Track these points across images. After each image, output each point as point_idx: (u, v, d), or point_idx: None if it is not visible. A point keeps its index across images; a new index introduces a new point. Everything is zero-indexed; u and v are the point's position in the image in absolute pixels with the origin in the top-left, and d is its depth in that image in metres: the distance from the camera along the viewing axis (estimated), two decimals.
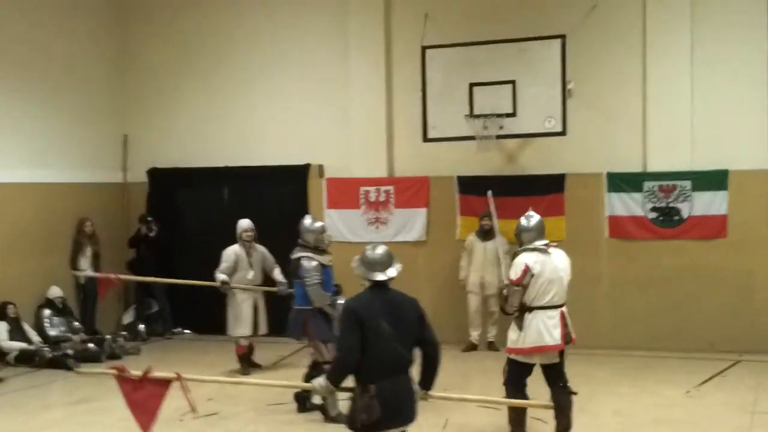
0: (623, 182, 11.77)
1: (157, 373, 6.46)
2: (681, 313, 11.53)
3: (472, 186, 12.32)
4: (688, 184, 11.51)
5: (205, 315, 12.56)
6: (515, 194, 12.01)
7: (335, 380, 5.42)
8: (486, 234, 11.72)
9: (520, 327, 7.32)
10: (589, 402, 8.38)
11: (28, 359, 11.21)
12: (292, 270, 8.98)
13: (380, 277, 5.45)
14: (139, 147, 14.01)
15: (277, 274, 10.77)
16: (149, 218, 13.36)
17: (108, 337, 12.09)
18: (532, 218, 7.60)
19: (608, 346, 11.50)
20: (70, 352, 11.38)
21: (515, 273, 7.32)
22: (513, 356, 7.39)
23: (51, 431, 8.46)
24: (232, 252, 10.76)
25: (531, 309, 7.32)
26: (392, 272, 5.49)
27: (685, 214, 11.54)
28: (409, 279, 12.19)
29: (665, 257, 11.64)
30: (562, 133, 11.31)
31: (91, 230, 12.83)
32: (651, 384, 9.76)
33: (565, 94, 11.23)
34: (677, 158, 11.57)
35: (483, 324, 11.95)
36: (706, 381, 9.85)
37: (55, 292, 12.13)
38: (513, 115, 11.37)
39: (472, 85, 11.51)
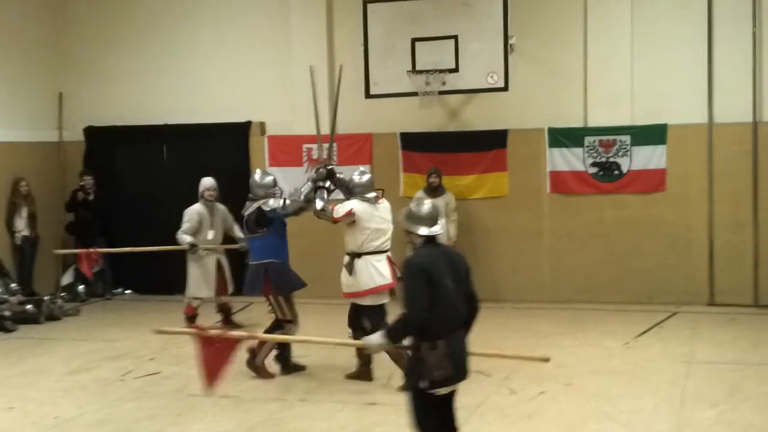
0: (564, 137, 11.83)
1: (234, 333, 6.55)
2: (621, 266, 11.71)
3: (415, 142, 12.30)
4: (627, 138, 11.61)
5: (145, 275, 12.41)
6: (458, 150, 12.07)
7: (398, 338, 5.27)
8: (434, 190, 11.68)
9: (351, 272, 7.99)
10: (533, 354, 8.45)
11: None
12: (248, 225, 8.81)
13: (434, 231, 5.39)
14: (75, 105, 13.69)
15: (237, 231, 10.56)
16: (87, 178, 13.04)
17: (46, 298, 11.88)
18: (364, 175, 8.37)
19: (550, 300, 11.68)
20: (7, 313, 11.17)
21: (339, 212, 8.09)
22: (352, 300, 8.09)
23: None
24: (195, 212, 10.48)
25: (360, 255, 8.00)
26: (439, 228, 5.43)
27: (624, 168, 11.65)
28: None
29: (606, 211, 11.77)
30: (505, 89, 11.28)
31: (26, 190, 12.59)
32: (592, 336, 9.92)
33: (507, 49, 11.19)
34: (617, 113, 11.65)
35: None
36: (644, 332, 10.02)
37: None
38: (455, 70, 11.30)
39: (414, 41, 11.41)
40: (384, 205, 8.28)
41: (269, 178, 8.96)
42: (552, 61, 11.96)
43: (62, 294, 12.57)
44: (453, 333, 5.24)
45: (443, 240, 5.62)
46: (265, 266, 8.59)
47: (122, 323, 11.35)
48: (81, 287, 12.84)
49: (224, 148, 12.89)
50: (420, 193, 11.86)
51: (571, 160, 11.82)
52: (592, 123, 11.79)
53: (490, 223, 12.02)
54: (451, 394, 5.39)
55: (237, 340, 6.36)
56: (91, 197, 13.02)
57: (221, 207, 10.73)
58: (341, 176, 8.70)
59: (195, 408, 7.65)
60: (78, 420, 7.39)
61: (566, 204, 11.90)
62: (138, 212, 13.07)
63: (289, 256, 8.84)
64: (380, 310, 8.05)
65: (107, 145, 13.52)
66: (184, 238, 10.38)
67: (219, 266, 10.65)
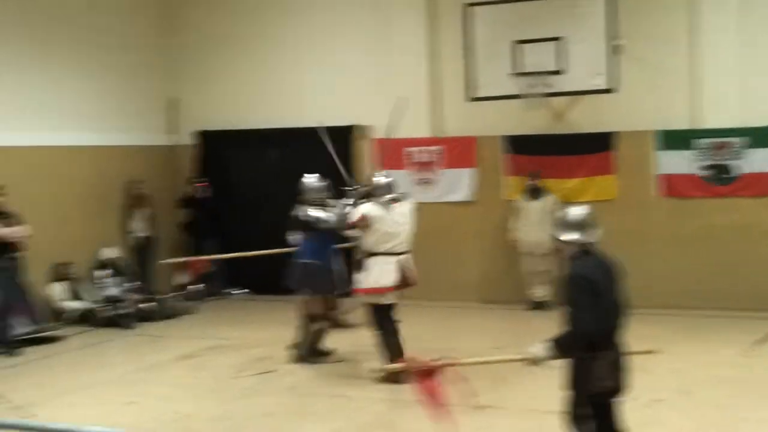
0: (674, 140, 11.61)
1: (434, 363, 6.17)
2: (733, 271, 11.41)
3: (519, 145, 12.26)
4: (740, 140, 11.32)
5: (259, 275, 12.71)
6: (563, 153, 11.99)
7: (566, 351, 5.14)
8: (533, 193, 11.68)
9: (364, 269, 8.34)
10: (646, 360, 8.31)
11: (85, 319, 11.48)
12: (294, 225, 9.21)
13: (590, 238, 5.22)
14: (188, 109, 14.11)
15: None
16: (199, 180, 13.48)
17: (164, 296, 12.29)
18: (382, 179, 8.60)
19: (658, 305, 11.43)
20: (126, 311, 11.61)
21: (353, 217, 8.44)
22: (362, 297, 8.42)
23: (109, 388, 8.65)
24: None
25: (372, 254, 8.30)
26: (598, 233, 5.26)
27: (737, 171, 11.36)
28: (456, 239, 12.50)
29: (717, 215, 11.49)
30: (611, 90, 11.19)
31: (142, 192, 13.02)
32: (706, 343, 9.70)
33: (613, 50, 11.09)
34: (729, 114, 11.36)
35: (539, 283, 11.84)
36: (761, 340, 9.74)
37: (111, 252, 12.36)
38: (560, 72, 11.26)
39: (517, 43, 11.41)
40: (400, 209, 8.47)
41: (318, 184, 9.34)
42: (660, 61, 11.74)
43: (179, 293, 12.96)
44: (617, 343, 5.18)
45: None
46: (303, 265, 9.04)
47: (237, 322, 11.66)
48: (197, 286, 13.24)
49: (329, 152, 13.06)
50: (520, 196, 11.83)
51: (680, 162, 11.58)
52: (702, 125, 11.53)
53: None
54: (617, 403, 5.34)
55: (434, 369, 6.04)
56: (202, 198, 13.40)
57: None
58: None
59: (308, 406, 7.84)
60: (196, 416, 7.64)
61: (676, 208, 11.68)
62: (247, 214, 13.40)
63: (332, 259, 9.09)
64: (382, 309, 8.36)
65: (218, 148, 13.91)
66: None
67: None
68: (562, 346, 5.11)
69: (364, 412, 7.60)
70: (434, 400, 6.03)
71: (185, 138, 14.11)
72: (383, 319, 8.41)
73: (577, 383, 5.19)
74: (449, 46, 12.37)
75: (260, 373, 8.96)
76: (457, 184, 12.66)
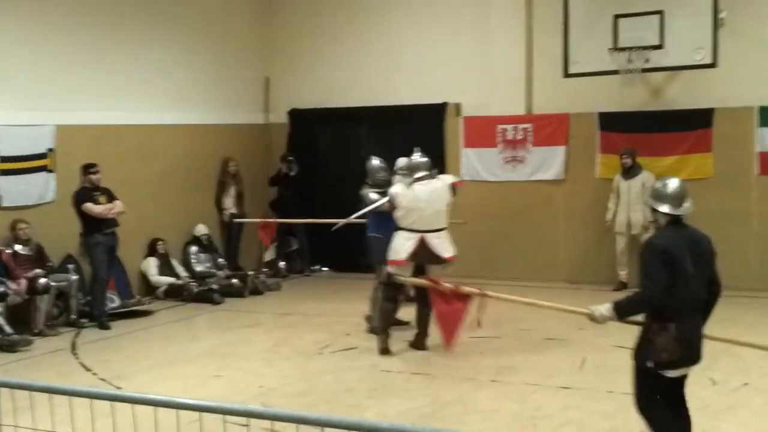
0: None
1: (466, 289, 7.10)
2: None
3: (614, 122, 11.95)
4: None
5: (342, 253, 12.77)
6: (659, 130, 11.65)
7: (629, 313, 5.30)
8: (627, 172, 11.37)
9: (391, 244, 8.61)
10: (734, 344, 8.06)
11: (175, 293, 11.73)
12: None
13: (679, 211, 5.24)
14: (280, 88, 14.24)
15: None
16: (290, 157, 13.62)
17: (250, 273, 12.47)
18: (412, 158, 8.86)
19: (756, 288, 11.01)
20: (215, 287, 11.82)
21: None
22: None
23: (199, 361, 8.81)
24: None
25: (398, 229, 8.62)
26: (687, 208, 5.27)
27: None
28: (547, 217, 12.32)
29: None
30: (713, 65, 10.82)
31: (234, 170, 13.21)
32: None
33: (716, 23, 10.71)
34: None
35: (630, 263, 11.55)
36: None
37: (201, 229, 12.58)
38: (660, 47, 10.99)
39: (616, 17, 11.15)
40: (426, 188, 8.62)
41: (378, 165, 9.84)
42: (764, 36, 11.28)
43: (265, 270, 13.15)
44: (688, 317, 5.16)
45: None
46: (371, 239, 9.50)
47: (320, 299, 11.76)
48: (282, 263, 13.41)
49: (420, 129, 12.96)
50: (617, 176, 11.54)
51: None
52: None
53: (694, 207, 11.46)
54: (682, 378, 5.32)
55: (470, 296, 6.72)
56: (293, 173, 13.53)
57: None
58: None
59: (389, 383, 7.84)
60: (280, 390, 7.73)
61: None
62: (337, 191, 13.43)
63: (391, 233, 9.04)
64: (394, 282, 8.59)
65: (310, 126, 14.00)
66: None
67: None
68: (624, 308, 5.24)
69: (445, 390, 7.56)
70: (450, 325, 6.66)
71: (279, 117, 14.24)
72: (390, 289, 8.79)
73: (640, 353, 5.24)
74: (546, 21, 12.15)
75: (342, 350, 9.00)
76: (548, 162, 12.43)
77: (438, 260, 8.61)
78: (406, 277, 8.40)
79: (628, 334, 8.39)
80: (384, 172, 9.75)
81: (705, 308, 5.33)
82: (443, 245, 8.64)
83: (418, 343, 8.83)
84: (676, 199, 5.24)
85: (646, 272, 5.11)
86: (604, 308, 5.26)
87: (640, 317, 5.33)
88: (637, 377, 5.29)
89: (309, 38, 14.03)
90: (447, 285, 7.10)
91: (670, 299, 5.07)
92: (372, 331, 9.39)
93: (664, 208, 5.22)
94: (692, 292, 5.15)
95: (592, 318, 5.36)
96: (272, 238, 12.33)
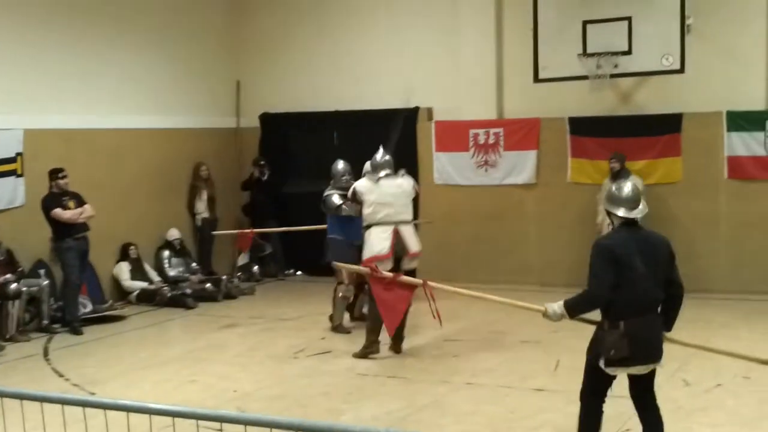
0: (744, 121, 11.28)
1: (405, 278, 7.51)
2: None
3: (584, 127, 12.05)
4: None
5: (315, 257, 12.73)
6: (629, 135, 11.75)
7: (578, 311, 5.46)
8: (616, 176, 11.35)
9: (365, 241, 8.75)
10: (707, 345, 8.16)
11: (148, 298, 11.67)
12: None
13: (624, 213, 5.38)
14: (251, 93, 14.21)
15: None
16: (262, 162, 13.60)
17: (224, 277, 12.44)
18: (381, 156, 9.17)
19: (726, 290, 11.17)
20: (188, 291, 11.79)
21: (349, 193, 9.14)
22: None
23: (173, 366, 8.78)
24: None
25: (369, 226, 8.73)
26: (639, 211, 5.41)
27: None
28: (519, 221, 12.39)
29: None
30: (680, 71, 10.93)
31: (206, 174, 13.16)
32: None
33: (683, 29, 10.81)
34: None
35: None
36: None
37: (173, 233, 12.52)
38: (628, 53, 11.06)
39: (585, 23, 11.23)
40: (393, 182, 8.92)
41: (343, 168, 10.15)
42: (731, 41, 11.42)
43: (239, 274, 13.10)
44: (638, 316, 5.24)
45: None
46: (329, 240, 9.90)
47: (294, 303, 11.75)
48: (256, 268, 13.38)
49: (392, 134, 13.02)
50: (606, 180, 11.54)
51: (751, 144, 11.25)
52: None
53: (663, 210, 11.57)
54: (645, 376, 5.43)
55: (414, 286, 7.12)
56: (264, 177, 13.51)
57: None
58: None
59: (365, 387, 7.85)
60: (255, 394, 7.71)
61: (745, 190, 11.35)
62: (308, 196, 13.41)
63: (351, 235, 9.57)
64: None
65: (281, 131, 13.98)
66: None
67: None
68: (573, 306, 5.42)
69: (421, 393, 7.58)
70: (392, 313, 7.13)
71: (250, 121, 14.21)
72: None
73: (592, 349, 5.41)
74: (516, 27, 12.22)
75: (318, 354, 9.01)
76: (519, 167, 12.51)
77: (411, 252, 8.78)
78: (350, 265, 8.69)
79: None
80: (348, 175, 10.01)
81: (667, 309, 5.45)
82: (411, 238, 8.84)
83: (396, 348, 8.84)
84: (630, 202, 5.39)
85: (593, 271, 5.29)
86: (557, 305, 5.46)
87: (593, 316, 5.45)
88: (585, 370, 5.49)
89: (281, 42, 14.01)
90: (387, 273, 7.33)
91: (618, 298, 5.22)
92: (335, 329, 9.76)
93: (620, 212, 5.37)
94: (642, 291, 5.26)
95: (545, 315, 5.54)
96: (249, 247, 12.30)
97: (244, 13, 14.22)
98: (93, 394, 7.58)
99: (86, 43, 11.71)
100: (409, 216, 8.93)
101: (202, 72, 13.60)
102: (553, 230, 12.24)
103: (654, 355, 5.35)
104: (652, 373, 5.47)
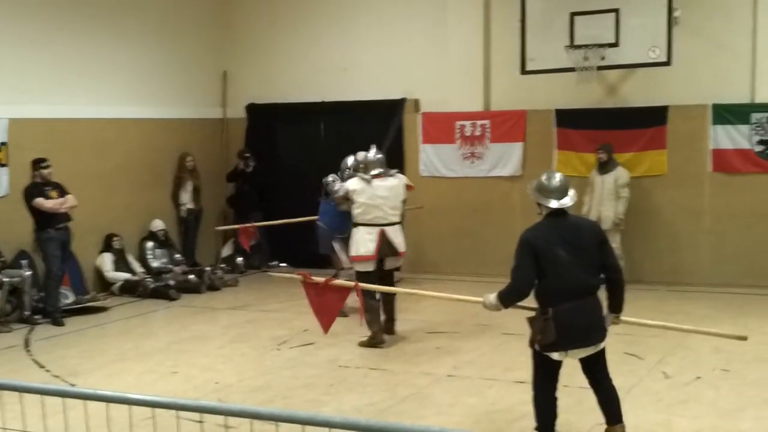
0: (729, 114, 11.30)
1: (337, 281, 7.55)
2: None
3: (570, 119, 12.05)
4: None
5: (300, 249, 12.72)
6: (616, 127, 11.74)
7: (506, 303, 5.62)
8: (603, 167, 11.33)
9: (352, 239, 8.91)
10: (688, 338, 8.20)
11: (131, 289, 11.62)
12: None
13: (555, 204, 5.51)
14: (238, 83, 14.15)
15: None
16: (247, 154, 13.55)
17: (208, 269, 12.40)
18: (368, 154, 9.15)
19: (709, 283, 11.21)
20: (171, 283, 11.74)
21: (339, 192, 9.21)
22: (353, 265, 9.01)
23: (155, 357, 8.74)
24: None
25: (356, 225, 8.83)
26: (567, 200, 5.55)
27: None
28: (505, 213, 12.37)
29: None
30: (667, 63, 10.93)
31: (192, 165, 13.11)
32: (752, 322, 9.43)
33: (671, 22, 10.81)
34: None
35: None
36: None
37: (157, 225, 12.46)
38: (615, 45, 11.05)
39: (573, 15, 11.21)
40: (384, 183, 8.90)
41: (346, 162, 10.06)
42: (718, 34, 11.42)
43: (222, 265, 13.05)
44: (565, 302, 5.37)
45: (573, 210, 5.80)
46: (317, 225, 10.45)
47: (278, 294, 11.68)
48: (240, 259, 13.33)
49: (379, 125, 12.99)
50: (594, 171, 11.51)
51: (736, 137, 11.28)
52: (760, 99, 11.20)
53: (648, 202, 11.63)
54: (589, 358, 5.55)
55: (347, 289, 7.34)
56: (249, 170, 13.45)
57: None
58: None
59: (347, 379, 7.83)
60: (237, 386, 7.68)
61: (729, 183, 11.38)
62: (295, 187, 13.40)
63: (336, 226, 10.00)
64: (368, 276, 8.68)
65: (268, 121, 13.94)
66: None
67: None
68: (503, 297, 5.60)
69: (403, 385, 7.57)
70: (325, 316, 7.30)
71: (237, 111, 14.15)
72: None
73: (531, 338, 5.57)
74: (504, 18, 12.19)
75: (300, 346, 8.99)
76: (506, 159, 12.50)
77: (395, 252, 8.89)
78: (282, 274, 9.06)
79: None
80: (354, 171, 9.74)
81: (609, 292, 5.61)
82: (398, 239, 8.91)
83: (389, 329, 9.10)
84: (558, 192, 5.52)
85: (515, 264, 5.50)
86: (493, 296, 5.64)
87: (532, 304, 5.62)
88: (532, 357, 5.65)
89: (268, 33, 13.95)
90: (319, 279, 7.40)
91: (545, 286, 5.43)
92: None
93: (551, 203, 5.50)
94: (567, 279, 5.40)
95: (484, 305, 5.74)
96: (251, 241, 12.20)
97: (231, 2, 14.15)
98: (74, 385, 7.53)
99: (71, 33, 11.62)
100: (398, 218, 8.97)
101: (188, 62, 13.52)
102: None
103: (588, 338, 5.48)
104: (599, 355, 5.59)
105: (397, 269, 9.29)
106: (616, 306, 5.65)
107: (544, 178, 5.61)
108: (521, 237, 5.51)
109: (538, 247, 5.40)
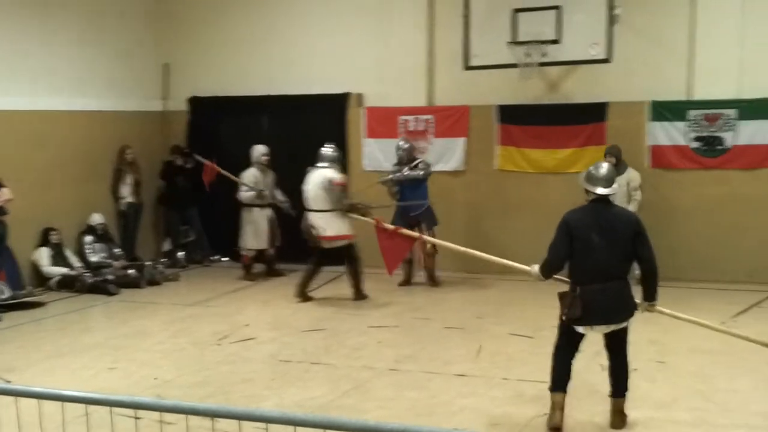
0: (667, 111, 11.50)
1: (404, 231, 8.59)
2: (723, 243, 11.37)
3: (512, 115, 12.16)
4: (733, 112, 11.21)
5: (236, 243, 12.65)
6: (556, 123, 11.89)
7: (545, 274, 6.16)
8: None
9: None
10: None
11: (69, 284, 11.42)
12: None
13: (601, 191, 5.96)
14: (179, 75, 14.00)
15: (279, 194, 12.15)
16: (186, 150, 13.37)
17: (148, 263, 12.25)
18: (326, 148, 10.60)
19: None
20: (110, 277, 11.54)
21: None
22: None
23: (92, 353, 8.60)
24: (251, 174, 11.98)
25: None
26: (611, 190, 6.01)
27: (728, 143, 11.26)
28: (446, 208, 12.42)
29: (707, 187, 11.42)
30: (607, 60, 11.06)
31: (132, 158, 12.93)
32: (689, 314, 9.51)
33: (611, 19, 10.95)
34: (723, 86, 11.25)
35: None
36: (743, 311, 9.73)
37: (96, 218, 12.27)
38: (557, 41, 11.14)
39: (515, 11, 11.28)
40: (314, 173, 10.40)
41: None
42: (657, 31, 11.61)
43: (163, 260, 12.93)
44: (592, 282, 5.86)
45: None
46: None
47: (219, 289, 11.62)
48: (180, 254, 13.21)
49: (323, 119, 12.96)
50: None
51: (673, 134, 11.49)
52: (697, 96, 11.42)
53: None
54: (611, 333, 6.05)
55: (414, 238, 8.54)
56: (189, 166, 13.28)
57: (271, 172, 12.12)
58: None
59: (288, 373, 7.80)
60: (176, 381, 7.61)
61: (667, 179, 11.58)
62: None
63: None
64: (322, 252, 10.47)
65: (210, 115, 13.78)
66: (248, 195, 11.89)
67: (270, 222, 12.08)
68: (542, 269, 6.16)
69: (344, 379, 7.57)
70: (392, 259, 8.12)
71: (178, 104, 13.99)
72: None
73: (560, 307, 6.06)
74: (447, 14, 12.24)
75: (242, 341, 8.93)
76: (449, 154, 12.56)
77: (315, 236, 10.28)
78: (358, 216, 10.05)
79: (522, 323, 8.80)
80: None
81: (642, 281, 6.10)
82: (320, 224, 10.25)
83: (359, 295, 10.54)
84: (605, 181, 5.99)
85: (552, 241, 6.01)
86: (537, 267, 6.20)
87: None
88: (558, 326, 6.18)
89: (210, 25, 13.81)
90: (389, 226, 8.51)
91: (574, 266, 5.97)
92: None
93: (597, 190, 5.96)
94: (595, 262, 5.85)
95: (530, 274, 6.32)
96: (213, 179, 12.16)
97: None
98: (9, 381, 7.38)
99: (6, 23, 11.38)
100: (319, 206, 10.28)
101: (127, 53, 13.33)
102: (481, 218, 12.33)
103: (610, 317, 5.94)
104: (621, 332, 6.07)
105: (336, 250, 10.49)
106: (649, 294, 6.10)
107: (592, 168, 6.10)
108: (563, 217, 5.99)
109: (574, 228, 5.89)
